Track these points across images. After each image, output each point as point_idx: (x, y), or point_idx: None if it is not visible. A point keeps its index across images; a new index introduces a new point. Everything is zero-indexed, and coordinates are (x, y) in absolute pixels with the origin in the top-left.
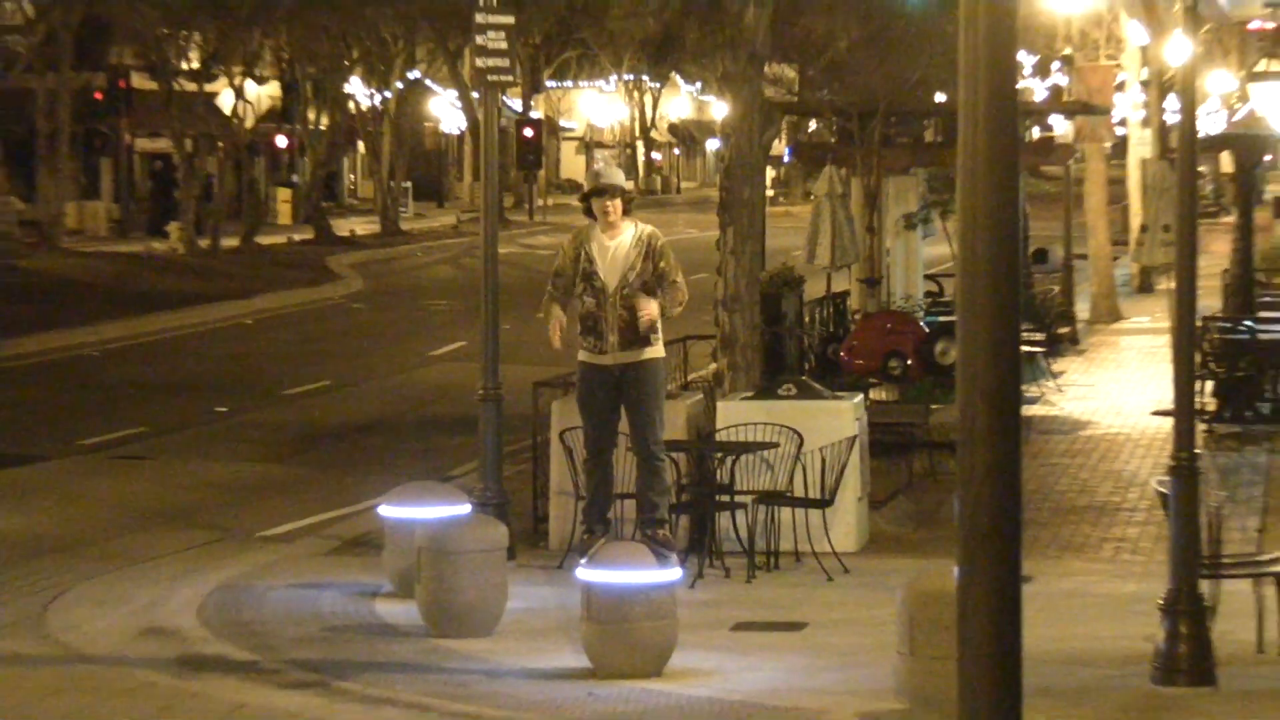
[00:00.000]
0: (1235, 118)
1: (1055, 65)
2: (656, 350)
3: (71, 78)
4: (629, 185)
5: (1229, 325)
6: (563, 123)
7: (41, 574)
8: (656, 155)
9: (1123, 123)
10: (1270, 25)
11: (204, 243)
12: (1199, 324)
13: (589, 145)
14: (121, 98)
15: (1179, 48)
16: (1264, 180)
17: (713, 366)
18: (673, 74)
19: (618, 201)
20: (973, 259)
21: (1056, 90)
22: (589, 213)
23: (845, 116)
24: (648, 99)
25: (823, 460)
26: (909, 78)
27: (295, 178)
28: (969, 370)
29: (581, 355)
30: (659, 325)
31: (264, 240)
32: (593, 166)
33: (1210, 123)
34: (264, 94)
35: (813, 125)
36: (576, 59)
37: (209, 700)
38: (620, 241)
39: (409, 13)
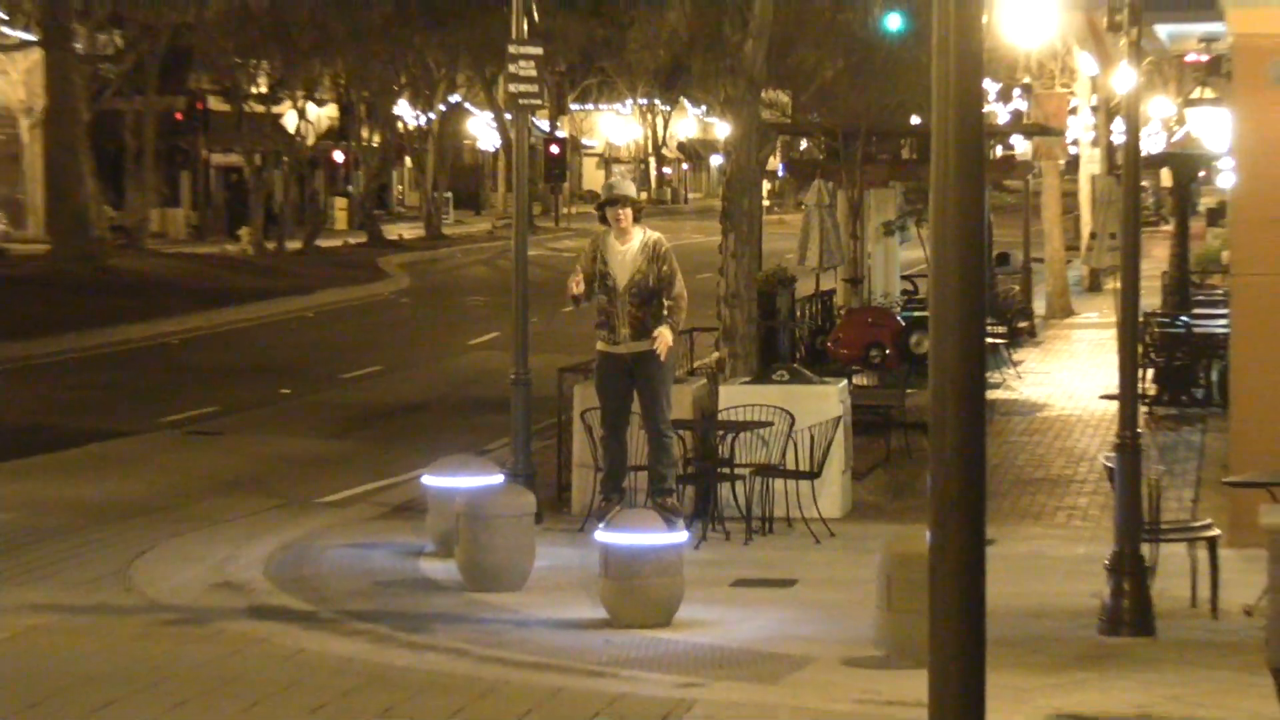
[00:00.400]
0: (1174, 138)
1: (1016, 92)
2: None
3: (155, 101)
4: (640, 196)
5: (1167, 320)
6: (585, 141)
7: (126, 534)
8: (667, 170)
9: (1075, 143)
10: (1205, 58)
11: (270, 245)
12: (1141, 319)
13: (607, 161)
14: (199, 119)
15: (1124, 77)
16: (1199, 194)
17: (715, 355)
18: (681, 98)
19: (628, 210)
20: (944, 262)
21: (1017, 114)
22: (604, 220)
23: (832, 136)
24: (659, 120)
25: (811, 437)
26: (888, 103)
27: (350, 188)
28: (940, 360)
29: (598, 345)
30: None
31: (323, 243)
32: (608, 180)
33: (1152, 143)
34: (323, 115)
35: (803, 144)
36: (597, 85)
37: (273, 646)
38: (630, 246)
39: (451, 43)
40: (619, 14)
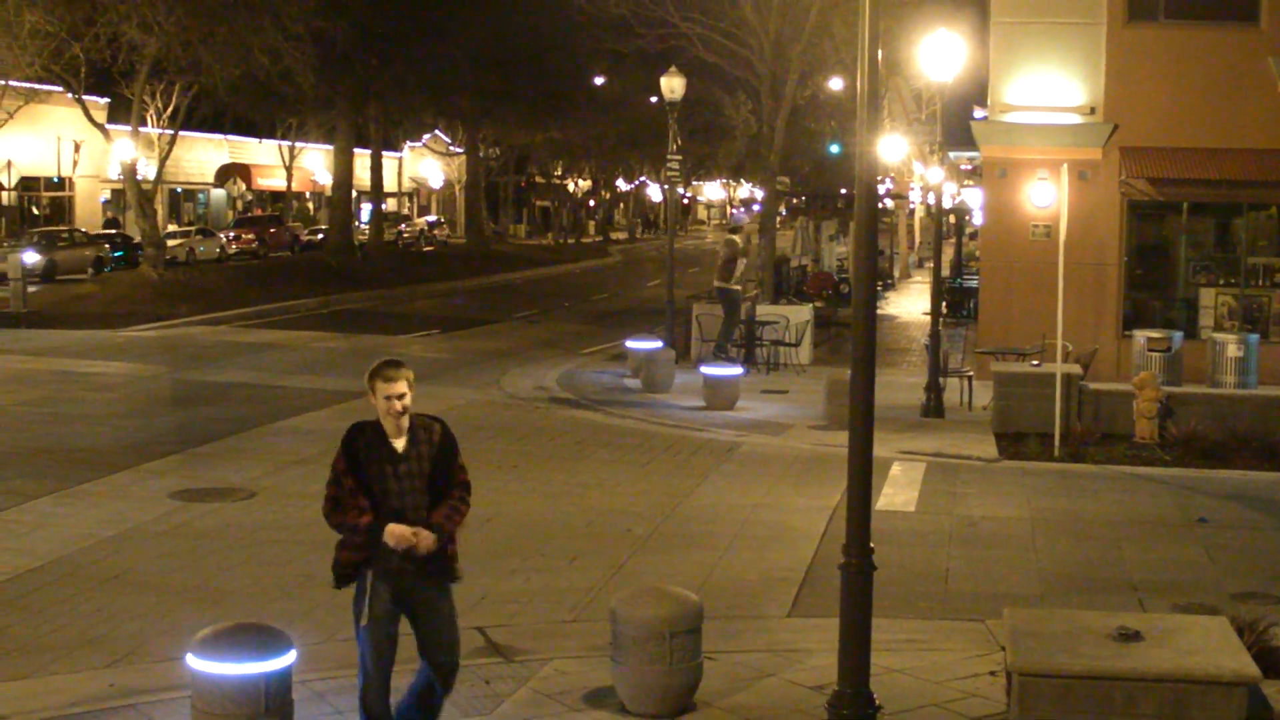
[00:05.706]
0: (956, 200)
1: (887, 178)
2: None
3: (512, 178)
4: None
5: (953, 279)
6: (698, 197)
7: (498, 364)
8: (735, 211)
9: (911, 202)
10: (971, 166)
11: (560, 241)
12: (942, 279)
13: (708, 206)
14: (531, 186)
15: (934, 173)
16: (967, 225)
17: (755, 291)
18: (741, 178)
19: (756, 229)
20: (859, 252)
21: (887, 189)
22: (733, 232)
23: (808, 196)
24: (732, 188)
25: (796, 328)
26: (833, 182)
27: (596, 217)
28: (857, 295)
29: (734, 285)
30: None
31: (584, 240)
32: (741, 222)
33: (946, 202)
34: (583, 185)
35: (794, 200)
36: (705, 171)
37: (559, 414)
38: (751, 245)
39: (640, 154)
40: (716, 141)
